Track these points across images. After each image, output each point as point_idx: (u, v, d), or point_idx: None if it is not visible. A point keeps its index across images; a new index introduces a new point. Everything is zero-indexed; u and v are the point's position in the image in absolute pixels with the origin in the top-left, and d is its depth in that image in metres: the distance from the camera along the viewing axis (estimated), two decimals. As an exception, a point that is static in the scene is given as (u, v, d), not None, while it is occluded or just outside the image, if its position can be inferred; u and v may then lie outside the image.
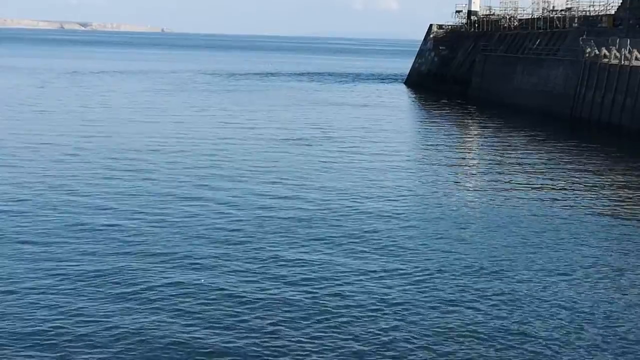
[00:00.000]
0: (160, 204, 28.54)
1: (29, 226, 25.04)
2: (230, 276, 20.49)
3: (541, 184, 34.90)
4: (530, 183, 35.16)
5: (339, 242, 24.12)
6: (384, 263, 22.03)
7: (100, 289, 19.26)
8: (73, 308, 17.95)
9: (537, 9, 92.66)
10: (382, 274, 21.03)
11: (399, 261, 22.25)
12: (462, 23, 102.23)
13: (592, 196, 32.48)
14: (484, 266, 21.99)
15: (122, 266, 21.09)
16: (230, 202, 29.23)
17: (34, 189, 30.66)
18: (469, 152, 47.15)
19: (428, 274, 21.09)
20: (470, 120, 65.23)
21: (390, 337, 16.86)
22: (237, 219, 26.62)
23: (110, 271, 20.63)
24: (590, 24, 71.42)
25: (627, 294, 20.09)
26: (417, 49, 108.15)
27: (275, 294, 19.18)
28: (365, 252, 23.14)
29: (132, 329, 16.92)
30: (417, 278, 20.77)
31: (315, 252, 22.96)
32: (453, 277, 20.94)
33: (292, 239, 24.25)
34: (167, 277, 20.25)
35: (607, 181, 36.12)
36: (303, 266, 21.51)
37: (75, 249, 22.69)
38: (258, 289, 19.56)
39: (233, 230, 25.16)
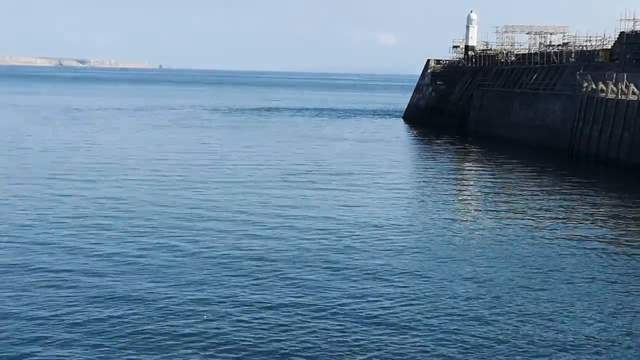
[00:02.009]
0: (164, 240, 28.74)
1: (27, 259, 25.27)
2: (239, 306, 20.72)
3: (540, 219, 35.06)
4: (529, 218, 35.31)
5: (339, 273, 24.28)
6: (383, 291, 22.22)
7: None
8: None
9: (534, 43, 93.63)
10: (382, 301, 21.24)
11: (398, 290, 22.44)
12: (459, 58, 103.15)
13: (590, 230, 32.63)
14: (483, 295, 22.14)
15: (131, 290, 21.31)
16: (235, 236, 29.42)
17: (32, 227, 30.84)
18: (467, 187, 47.37)
19: (426, 307, 21.26)
20: (468, 155, 65.55)
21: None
22: (241, 252, 26.81)
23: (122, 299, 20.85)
24: (587, 58, 72.07)
25: (626, 321, 20.24)
26: (415, 84, 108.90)
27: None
28: (364, 279, 23.33)
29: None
30: (416, 309, 20.95)
31: (314, 282, 23.16)
32: (452, 304, 21.11)
33: (294, 270, 24.45)
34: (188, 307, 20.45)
35: (605, 215, 36.30)
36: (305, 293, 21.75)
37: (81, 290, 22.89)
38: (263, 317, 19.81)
39: (239, 263, 25.36)
